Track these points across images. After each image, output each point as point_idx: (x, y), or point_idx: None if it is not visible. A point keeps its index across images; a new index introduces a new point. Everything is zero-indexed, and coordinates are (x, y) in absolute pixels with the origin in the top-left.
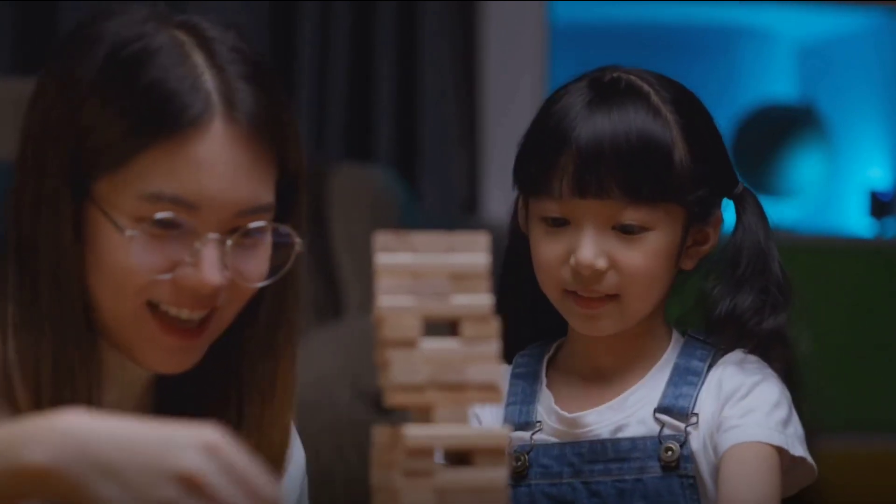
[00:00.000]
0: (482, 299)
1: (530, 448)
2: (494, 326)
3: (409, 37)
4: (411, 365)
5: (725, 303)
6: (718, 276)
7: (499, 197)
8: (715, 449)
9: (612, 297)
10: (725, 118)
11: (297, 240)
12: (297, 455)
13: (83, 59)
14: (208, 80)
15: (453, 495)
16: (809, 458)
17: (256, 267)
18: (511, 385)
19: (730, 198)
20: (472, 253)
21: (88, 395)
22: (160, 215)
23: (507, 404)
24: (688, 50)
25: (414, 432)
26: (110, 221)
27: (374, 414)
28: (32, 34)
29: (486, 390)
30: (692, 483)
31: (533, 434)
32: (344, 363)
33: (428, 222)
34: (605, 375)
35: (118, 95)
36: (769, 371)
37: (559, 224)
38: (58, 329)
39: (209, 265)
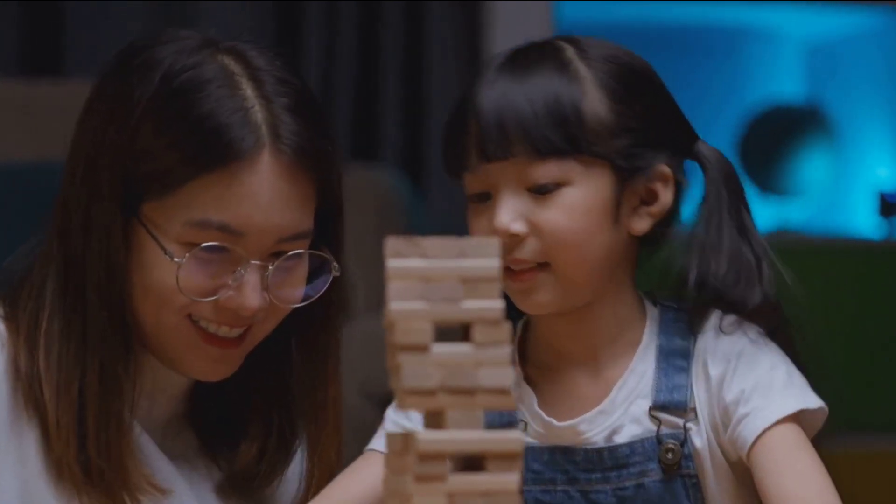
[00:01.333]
0: (494, 304)
1: None
2: (506, 331)
3: (415, 37)
4: (423, 369)
5: (693, 272)
6: (685, 244)
7: None
8: (732, 444)
9: (543, 266)
10: (732, 118)
11: (335, 264)
12: (295, 461)
13: (137, 84)
14: (257, 112)
15: (465, 500)
16: (821, 402)
17: (293, 290)
18: None
19: (687, 157)
20: (483, 257)
21: (131, 404)
22: (207, 244)
23: None
24: (695, 50)
25: (426, 437)
26: (158, 246)
27: (382, 416)
28: (39, 37)
29: (498, 394)
30: (695, 483)
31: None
32: (352, 365)
33: (434, 223)
34: (580, 363)
35: (172, 124)
36: (745, 330)
37: (484, 200)
38: (104, 342)
39: (251, 290)
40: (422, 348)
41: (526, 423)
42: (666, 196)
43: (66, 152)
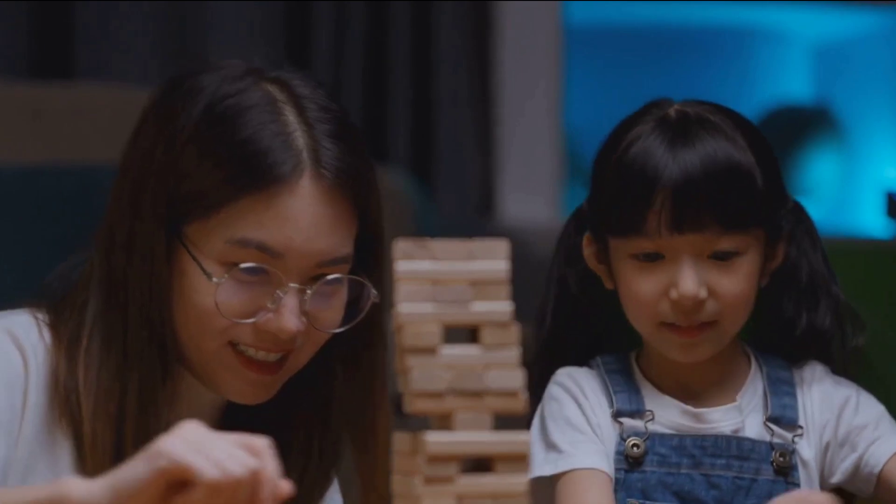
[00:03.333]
0: (502, 306)
1: (647, 436)
2: (515, 333)
3: (423, 39)
4: (431, 372)
5: (803, 318)
6: (786, 292)
7: (514, 199)
8: (858, 465)
9: (710, 324)
10: None
11: (374, 291)
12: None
13: (183, 109)
14: (299, 137)
15: (474, 501)
16: None
17: (332, 315)
18: (610, 378)
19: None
20: (492, 260)
21: (167, 420)
22: (246, 265)
23: (615, 392)
24: (702, 51)
25: (435, 439)
26: (198, 266)
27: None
28: (48, 40)
29: (507, 397)
30: None
31: (647, 423)
32: None
33: (444, 225)
34: (699, 390)
35: (215, 146)
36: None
37: (652, 259)
38: (143, 362)
39: (289, 313)
40: (430, 351)
41: (653, 412)
42: (782, 252)
43: (73, 154)
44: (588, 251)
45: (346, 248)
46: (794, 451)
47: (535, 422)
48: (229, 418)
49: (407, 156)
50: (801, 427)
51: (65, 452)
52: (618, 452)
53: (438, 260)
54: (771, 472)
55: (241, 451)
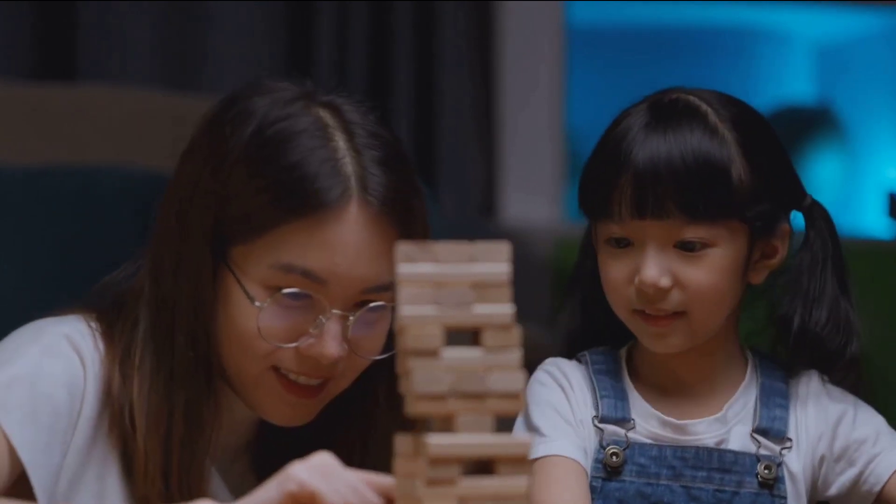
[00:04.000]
0: (504, 308)
1: (626, 445)
2: (516, 335)
3: (425, 40)
4: (433, 374)
5: (797, 318)
6: (788, 291)
7: (516, 200)
8: (858, 480)
9: (679, 315)
10: None
11: None
12: None
13: (232, 133)
14: (348, 164)
15: (476, 503)
16: None
17: (374, 342)
18: (597, 380)
19: (798, 210)
20: (493, 262)
21: (210, 435)
22: (289, 290)
23: (601, 396)
24: (705, 51)
25: (437, 441)
26: (242, 289)
27: None
28: (51, 41)
29: (508, 399)
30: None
31: (628, 431)
32: None
33: (446, 225)
34: (689, 391)
35: (263, 170)
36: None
37: (623, 245)
38: (189, 382)
39: (331, 339)
40: (432, 353)
41: (634, 421)
42: (783, 250)
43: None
44: (593, 237)
45: (390, 275)
46: (780, 464)
47: None
48: (268, 435)
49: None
50: (790, 440)
51: (112, 464)
52: (596, 460)
53: (440, 263)
54: (755, 485)
55: (365, 488)
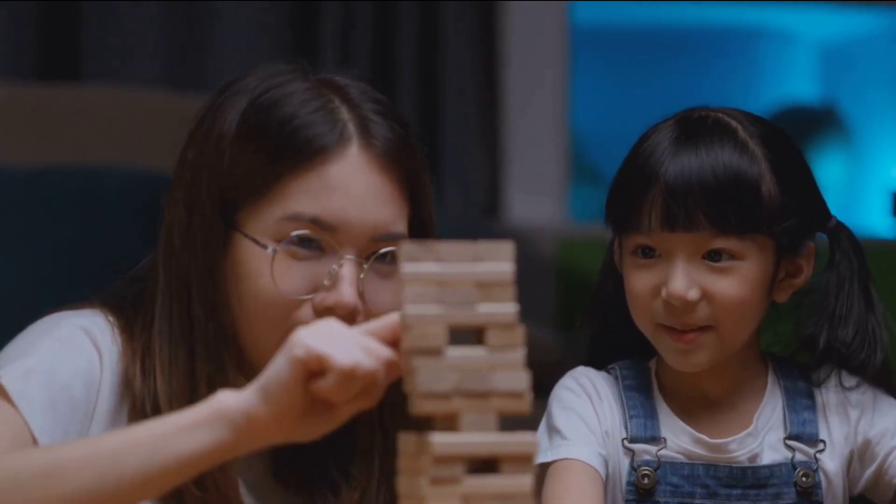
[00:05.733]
0: (508, 307)
1: (657, 464)
2: (520, 334)
3: (430, 40)
4: (437, 373)
5: (823, 337)
6: (814, 310)
7: (520, 200)
8: (879, 472)
9: (707, 329)
10: None
11: None
12: None
13: (229, 108)
14: (344, 112)
15: (480, 502)
16: None
17: (388, 296)
18: (627, 397)
19: (823, 232)
20: (497, 261)
21: None
22: (298, 231)
23: (631, 416)
24: (708, 51)
25: (441, 440)
26: (252, 241)
27: None
28: (56, 41)
29: (512, 398)
30: None
31: (659, 450)
32: None
33: (450, 226)
34: (716, 404)
35: (258, 130)
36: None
37: (649, 255)
38: (211, 357)
39: (346, 285)
40: (436, 352)
41: (666, 439)
42: (808, 270)
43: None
44: (616, 252)
45: (400, 225)
46: (817, 469)
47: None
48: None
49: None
50: (822, 441)
51: None
52: (629, 482)
53: (444, 262)
54: (793, 495)
55: (373, 342)
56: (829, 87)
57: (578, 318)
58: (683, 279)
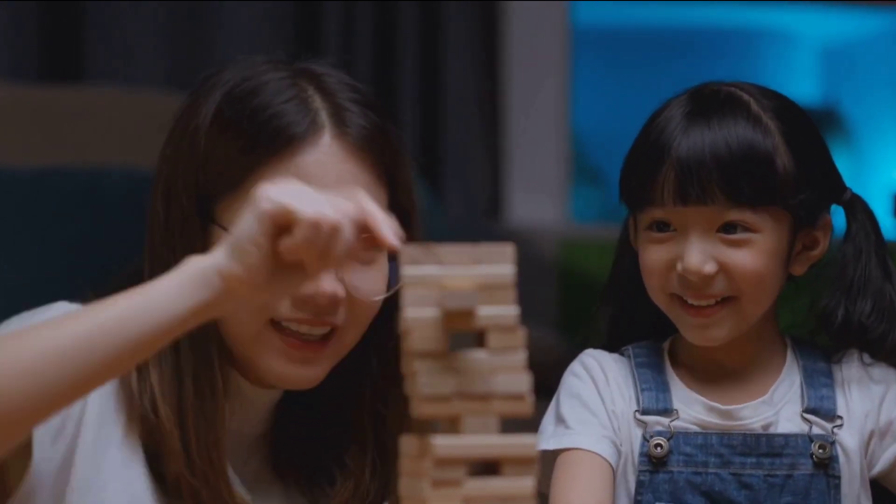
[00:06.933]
0: (509, 310)
1: (670, 435)
2: (521, 337)
3: (431, 40)
4: (438, 376)
5: (841, 310)
6: (830, 283)
7: (521, 201)
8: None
9: (727, 301)
10: None
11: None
12: None
13: (204, 102)
14: (317, 100)
15: None
16: None
17: (371, 282)
18: (638, 373)
19: (839, 204)
20: (498, 264)
21: (223, 412)
22: None
23: (642, 389)
24: (710, 52)
25: (442, 442)
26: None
27: None
28: (58, 42)
29: (514, 400)
30: (837, 484)
31: (672, 421)
32: None
33: (451, 227)
34: (732, 376)
35: (232, 121)
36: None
37: (664, 230)
38: (195, 349)
39: (325, 275)
40: (437, 355)
41: (678, 411)
42: (825, 242)
43: (81, 157)
44: (631, 230)
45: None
46: (833, 443)
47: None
48: (283, 417)
49: (415, 157)
50: (840, 417)
51: (138, 462)
52: (642, 453)
53: (445, 265)
54: (810, 466)
55: (337, 199)
56: (830, 88)
57: (579, 318)
58: (699, 253)
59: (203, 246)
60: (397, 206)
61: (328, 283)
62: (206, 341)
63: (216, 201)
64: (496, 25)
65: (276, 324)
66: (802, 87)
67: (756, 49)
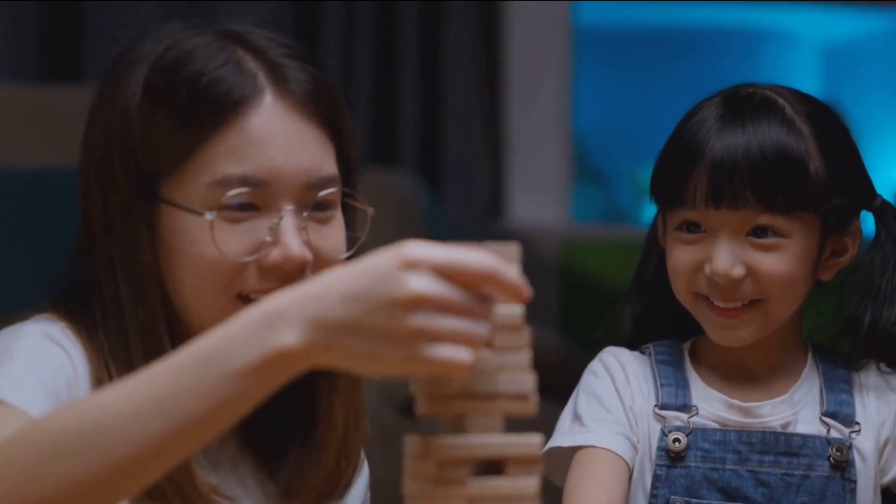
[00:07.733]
0: (514, 309)
1: (689, 430)
2: (526, 336)
3: (432, 41)
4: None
5: (867, 317)
6: (858, 289)
7: (522, 201)
8: None
9: (754, 304)
10: None
11: (370, 209)
12: (364, 468)
13: (130, 78)
14: (250, 61)
15: None
16: None
17: (334, 241)
18: (659, 370)
19: (869, 210)
20: (503, 263)
21: None
22: (232, 192)
23: (662, 385)
24: (711, 52)
25: (447, 442)
26: (188, 212)
27: (401, 420)
28: (58, 42)
29: (518, 400)
30: (853, 488)
31: (690, 417)
32: None
33: (452, 227)
34: (753, 377)
35: (165, 94)
36: None
37: (694, 230)
38: (146, 339)
39: (290, 237)
40: None
41: (697, 407)
42: (853, 248)
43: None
44: (660, 229)
45: (330, 167)
46: (850, 447)
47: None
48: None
49: (415, 158)
50: (857, 423)
51: None
52: (659, 448)
53: None
54: (827, 468)
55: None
56: (831, 88)
57: (579, 318)
58: (728, 256)
59: (148, 228)
60: (342, 157)
61: (294, 243)
62: (157, 329)
63: (160, 180)
64: (497, 25)
65: (242, 297)
66: (803, 87)
67: (757, 49)
